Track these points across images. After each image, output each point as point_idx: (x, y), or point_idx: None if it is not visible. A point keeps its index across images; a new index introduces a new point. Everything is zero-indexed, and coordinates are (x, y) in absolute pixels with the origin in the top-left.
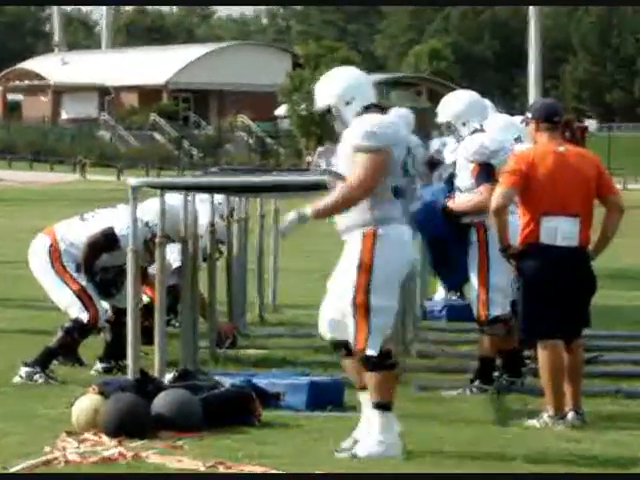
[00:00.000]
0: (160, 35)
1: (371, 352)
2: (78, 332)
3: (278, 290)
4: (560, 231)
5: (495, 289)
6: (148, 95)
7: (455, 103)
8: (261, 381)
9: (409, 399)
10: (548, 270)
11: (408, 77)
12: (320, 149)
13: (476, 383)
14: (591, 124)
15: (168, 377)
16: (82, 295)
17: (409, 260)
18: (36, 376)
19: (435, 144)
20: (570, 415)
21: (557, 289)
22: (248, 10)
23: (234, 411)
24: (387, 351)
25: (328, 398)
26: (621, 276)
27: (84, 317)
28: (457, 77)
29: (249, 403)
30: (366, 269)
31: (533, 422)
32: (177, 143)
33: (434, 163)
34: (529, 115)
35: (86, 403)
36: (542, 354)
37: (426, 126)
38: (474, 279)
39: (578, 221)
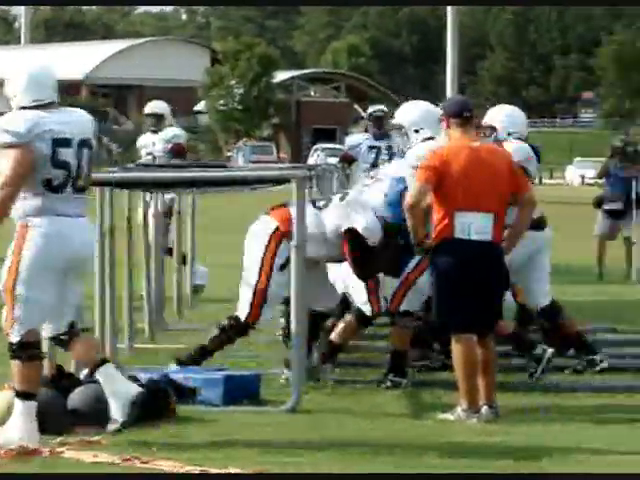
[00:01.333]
0: (79, 31)
1: (13, 339)
2: (234, 331)
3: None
4: (474, 226)
5: (417, 289)
6: (66, 90)
7: (412, 110)
8: (177, 376)
9: (325, 393)
10: (462, 264)
11: (326, 73)
12: (239, 144)
13: (390, 376)
14: None
15: (84, 372)
16: (259, 295)
17: (69, 253)
18: None
19: (351, 140)
20: (484, 409)
21: (471, 283)
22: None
23: (150, 406)
24: (28, 342)
25: (244, 392)
26: (555, 271)
27: (242, 315)
28: (375, 72)
29: (165, 398)
30: (15, 260)
31: (447, 415)
32: (96, 138)
33: (349, 159)
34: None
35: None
36: (456, 348)
37: (345, 121)
38: (403, 276)
39: (492, 216)
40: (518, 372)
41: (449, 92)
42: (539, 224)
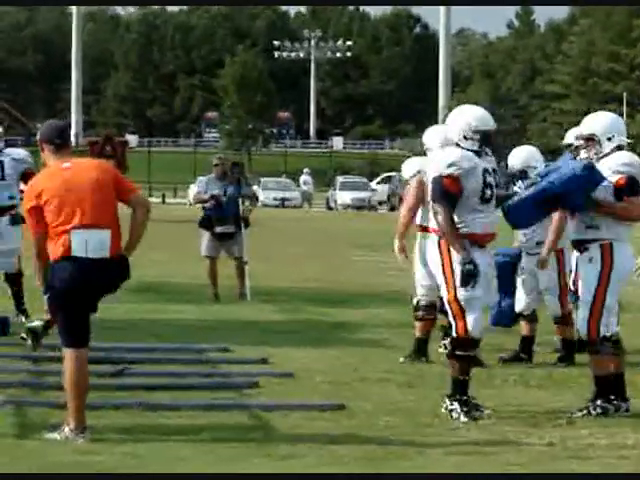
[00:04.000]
0: None
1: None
2: (455, 349)
3: None
4: (91, 244)
5: (609, 309)
6: None
7: (604, 119)
8: None
9: None
10: (80, 282)
11: None
12: None
13: (599, 402)
14: (132, 139)
15: None
16: (453, 304)
17: None
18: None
19: None
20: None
21: (88, 300)
22: None
23: None
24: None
25: None
26: (147, 289)
27: (453, 331)
28: None
29: None
30: None
31: (54, 435)
32: None
33: None
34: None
35: None
36: (69, 366)
37: None
38: (589, 296)
39: (109, 232)
40: (128, 391)
41: (74, 110)
42: None
